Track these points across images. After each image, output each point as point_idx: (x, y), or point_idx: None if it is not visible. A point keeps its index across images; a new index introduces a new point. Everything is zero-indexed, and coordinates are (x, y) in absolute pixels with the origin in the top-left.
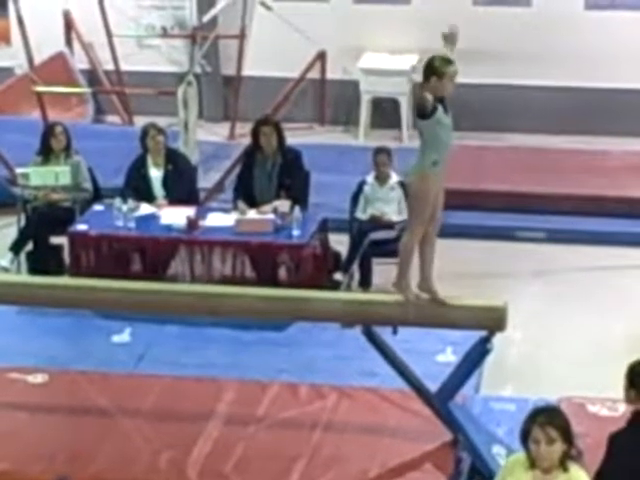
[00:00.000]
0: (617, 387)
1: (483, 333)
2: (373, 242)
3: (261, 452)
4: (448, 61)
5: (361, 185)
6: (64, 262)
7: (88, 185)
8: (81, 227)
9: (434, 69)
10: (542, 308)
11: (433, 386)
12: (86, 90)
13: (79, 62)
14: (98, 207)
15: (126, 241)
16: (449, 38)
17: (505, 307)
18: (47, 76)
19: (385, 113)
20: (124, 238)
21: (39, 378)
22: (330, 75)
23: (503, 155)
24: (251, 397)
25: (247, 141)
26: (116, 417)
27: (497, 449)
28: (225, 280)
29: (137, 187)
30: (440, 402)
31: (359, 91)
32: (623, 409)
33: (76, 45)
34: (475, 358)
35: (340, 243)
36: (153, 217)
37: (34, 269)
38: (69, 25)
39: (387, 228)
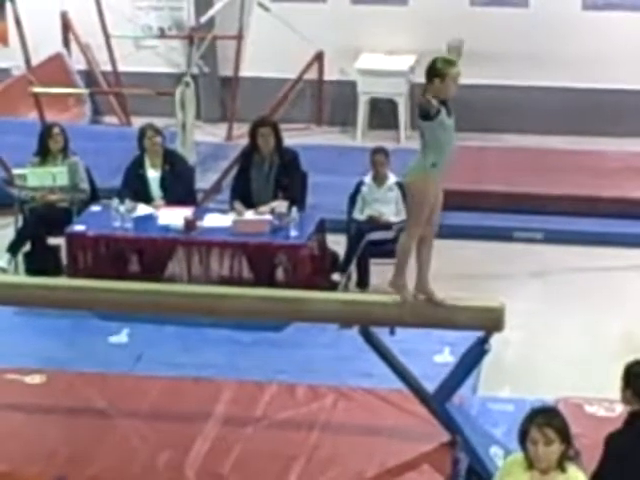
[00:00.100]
0: (614, 387)
1: (481, 334)
2: (371, 242)
3: (259, 452)
4: (450, 62)
5: (359, 186)
6: (61, 263)
7: (85, 186)
8: (78, 228)
9: (437, 71)
10: (540, 308)
11: (431, 387)
12: (83, 91)
13: (76, 63)
14: (95, 208)
15: (124, 242)
16: (453, 50)
17: (503, 307)
18: (44, 77)
19: (383, 114)
20: (121, 239)
21: (37, 379)
22: (328, 76)
23: (500, 156)
24: (249, 397)
25: (245, 142)
26: (114, 418)
27: (495, 450)
28: (223, 281)
29: (134, 188)
30: (438, 403)
31: (357, 92)
32: (620, 410)
33: (73, 46)
34: (473, 359)
35: (338, 244)
36: (150, 218)
37: (31, 270)
38: (66, 26)
39: (385, 229)
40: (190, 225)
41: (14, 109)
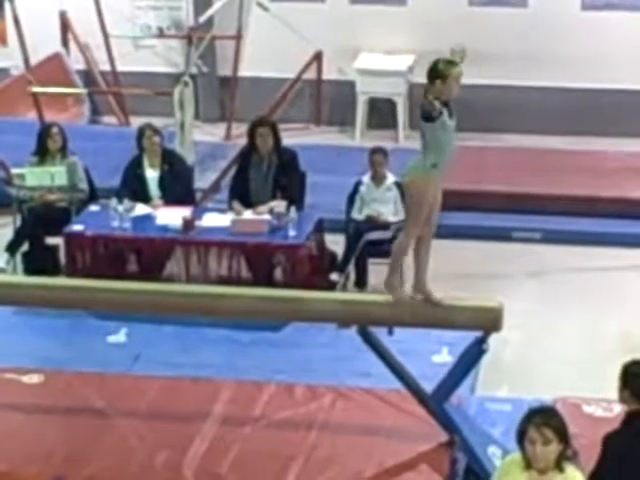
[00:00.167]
0: (612, 387)
1: (479, 333)
2: (369, 242)
3: (257, 452)
4: (452, 63)
5: (357, 185)
6: (60, 262)
7: (84, 186)
8: (77, 227)
9: (438, 72)
10: (538, 308)
11: (429, 387)
12: (82, 91)
13: (75, 62)
14: (94, 207)
15: (122, 241)
16: (457, 54)
17: (501, 307)
18: (43, 77)
19: (381, 113)
20: (120, 238)
21: (34, 378)
22: (326, 75)
23: (499, 156)
24: (247, 397)
25: (243, 142)
26: (112, 417)
27: (493, 450)
28: (221, 281)
29: (133, 188)
30: (436, 403)
31: (355, 91)
32: (618, 410)
33: (72, 46)
34: (471, 359)
35: (336, 243)
36: (149, 218)
37: (30, 269)
38: (65, 26)
39: (383, 228)
40: (188, 225)
41: (13, 109)
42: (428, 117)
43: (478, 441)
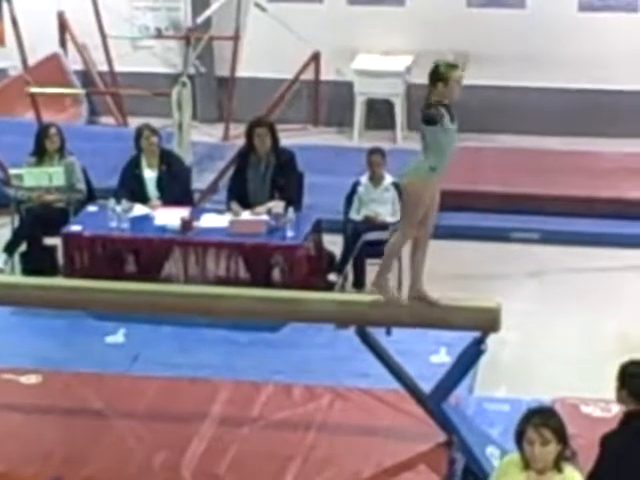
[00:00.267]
0: (610, 388)
1: (477, 334)
2: (367, 243)
3: (255, 453)
4: (453, 66)
5: (355, 186)
6: (58, 263)
7: (82, 186)
8: (75, 228)
9: (440, 75)
10: (536, 309)
11: (427, 387)
12: (80, 91)
13: (73, 63)
14: (92, 208)
15: (120, 242)
16: (459, 59)
17: (499, 308)
18: (41, 77)
19: (379, 114)
20: (118, 239)
21: (32, 379)
22: (324, 76)
23: (497, 156)
24: (245, 398)
25: (241, 142)
26: (110, 418)
27: (491, 450)
28: (219, 281)
29: (131, 188)
30: (434, 403)
31: (353, 92)
32: (616, 410)
33: (70, 46)
34: (469, 359)
35: (334, 244)
36: (147, 218)
37: (28, 270)
38: (63, 26)
39: (381, 229)
40: (186, 225)
41: (11, 109)
42: (430, 120)
43: (476, 441)
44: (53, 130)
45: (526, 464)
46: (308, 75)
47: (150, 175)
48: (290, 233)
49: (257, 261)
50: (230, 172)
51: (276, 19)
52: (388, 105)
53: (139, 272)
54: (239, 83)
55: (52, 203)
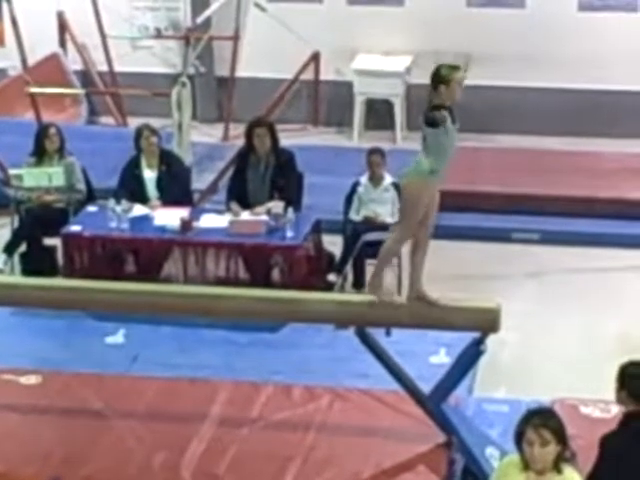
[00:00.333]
0: (610, 388)
1: (477, 334)
2: (367, 243)
3: (255, 453)
4: (454, 67)
5: (355, 186)
6: (57, 263)
7: (82, 186)
8: (75, 228)
9: (441, 77)
10: (536, 309)
11: (426, 388)
12: (80, 91)
13: (73, 63)
14: (92, 208)
15: (120, 242)
16: (460, 61)
17: (499, 308)
18: (41, 77)
19: (379, 114)
20: (118, 239)
21: (32, 379)
22: (324, 76)
23: (497, 157)
24: (245, 398)
25: (241, 142)
26: (110, 418)
27: (490, 451)
28: (219, 281)
29: (131, 188)
30: (433, 403)
31: (353, 92)
32: (616, 411)
33: (70, 46)
34: (468, 359)
35: (334, 244)
36: (147, 218)
37: (27, 270)
38: (63, 26)
39: (381, 229)
40: (186, 226)
41: (10, 109)
42: (433, 123)
43: (476, 442)
44: (53, 130)
45: (525, 465)
46: (308, 75)
47: (150, 175)
48: (290, 233)
49: (257, 261)
50: (230, 172)
51: (276, 19)
52: (388, 105)
53: (139, 272)
54: (239, 83)
55: (52, 203)
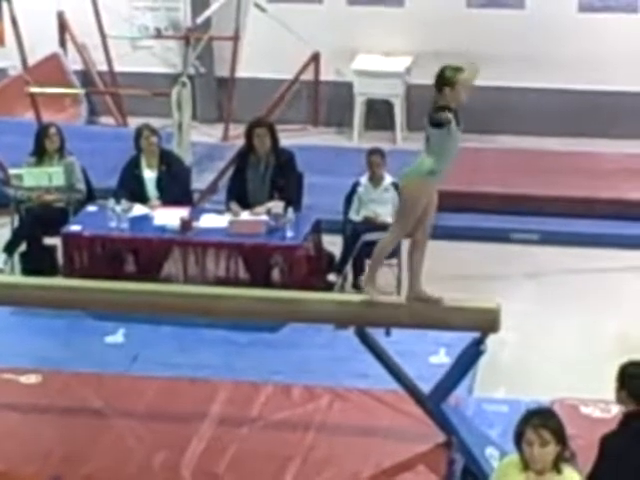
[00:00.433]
0: (610, 388)
1: (476, 335)
2: (366, 243)
3: (255, 453)
4: (458, 69)
5: (355, 186)
6: (57, 263)
7: (82, 186)
8: (74, 228)
9: (446, 79)
10: (535, 310)
11: (426, 387)
12: (80, 91)
13: (73, 63)
14: (92, 208)
15: (119, 242)
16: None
17: (498, 308)
18: (41, 77)
19: (379, 115)
20: (117, 239)
21: (32, 379)
22: (324, 77)
23: (496, 157)
24: (245, 398)
25: (241, 142)
26: (110, 418)
27: (490, 451)
28: (219, 281)
29: (131, 188)
30: (433, 403)
31: (353, 93)
32: (616, 411)
33: (70, 46)
34: (468, 360)
35: (333, 244)
36: (146, 218)
37: (27, 270)
38: (63, 26)
39: (381, 229)
40: (186, 225)
41: (10, 109)
42: (438, 123)
43: (475, 442)
44: (53, 130)
45: (525, 465)
46: (308, 75)
47: (150, 175)
48: (290, 233)
49: (256, 261)
50: (230, 172)
51: (276, 19)
52: (388, 105)
53: (139, 272)
54: (239, 83)
55: (52, 203)
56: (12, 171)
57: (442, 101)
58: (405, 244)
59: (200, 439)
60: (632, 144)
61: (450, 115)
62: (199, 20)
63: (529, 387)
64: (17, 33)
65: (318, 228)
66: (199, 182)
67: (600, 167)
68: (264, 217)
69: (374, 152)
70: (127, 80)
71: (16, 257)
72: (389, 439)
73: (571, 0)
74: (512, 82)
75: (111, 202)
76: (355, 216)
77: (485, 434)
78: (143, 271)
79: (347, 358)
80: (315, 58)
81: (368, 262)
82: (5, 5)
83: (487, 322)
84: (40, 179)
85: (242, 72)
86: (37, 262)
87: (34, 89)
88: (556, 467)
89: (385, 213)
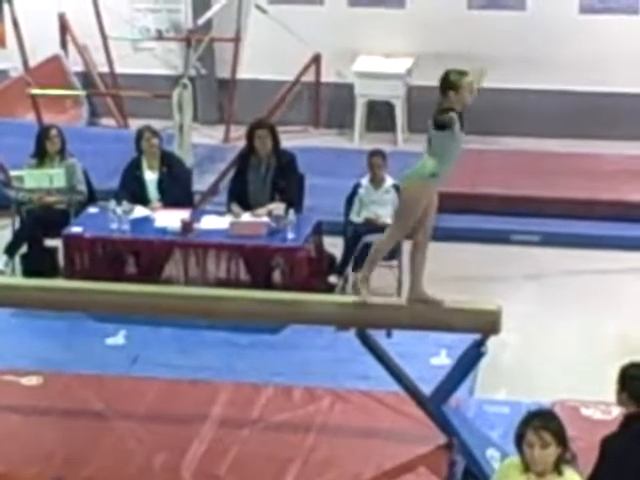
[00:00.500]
0: (611, 390)
1: (477, 336)
2: (367, 245)
3: (255, 454)
4: (462, 73)
5: (356, 188)
6: (58, 264)
7: (83, 188)
8: (75, 229)
9: (450, 83)
10: (536, 311)
11: (427, 389)
12: (81, 92)
13: (74, 65)
14: (93, 210)
15: (120, 244)
16: (476, 75)
17: (499, 310)
18: (42, 78)
19: (380, 116)
20: (118, 241)
21: (33, 380)
22: (325, 78)
23: (497, 159)
24: (245, 400)
25: (242, 144)
26: (110, 419)
27: (491, 452)
28: (219, 283)
29: (132, 190)
30: (434, 405)
31: (354, 94)
32: (616, 412)
33: (71, 48)
34: (469, 361)
35: (334, 246)
36: (147, 220)
37: (28, 271)
38: (64, 28)
39: (382, 231)
40: (187, 227)
41: (11, 110)
42: (442, 125)
43: (476, 444)
44: (54, 132)
45: (526, 467)
46: (309, 77)
47: (151, 177)
48: (291, 235)
49: (257, 263)
50: (231, 174)
51: (277, 21)
52: (389, 107)
53: (139, 274)
54: (240, 85)
55: (53, 205)
56: (13, 173)
57: (446, 104)
58: (406, 246)
59: (201, 441)
60: (633, 145)
61: (454, 116)
62: (200, 22)
63: (530, 389)
64: (18, 34)
65: (319, 230)
66: (200, 184)
67: (601, 168)
68: (265, 219)
69: (375, 154)
70: (128, 82)
71: (17, 259)
72: (390, 441)
73: (572, 1)
74: (513, 83)
75: (112, 204)
76: (356, 218)
77: (486, 435)
78: (144, 273)
79: (348, 360)
80: (316, 59)
81: None
82: (6, 6)
83: (488, 324)
84: (41, 181)
85: (243, 73)
86: (38, 264)
87: (35, 91)
88: (557, 469)
89: (386, 215)
